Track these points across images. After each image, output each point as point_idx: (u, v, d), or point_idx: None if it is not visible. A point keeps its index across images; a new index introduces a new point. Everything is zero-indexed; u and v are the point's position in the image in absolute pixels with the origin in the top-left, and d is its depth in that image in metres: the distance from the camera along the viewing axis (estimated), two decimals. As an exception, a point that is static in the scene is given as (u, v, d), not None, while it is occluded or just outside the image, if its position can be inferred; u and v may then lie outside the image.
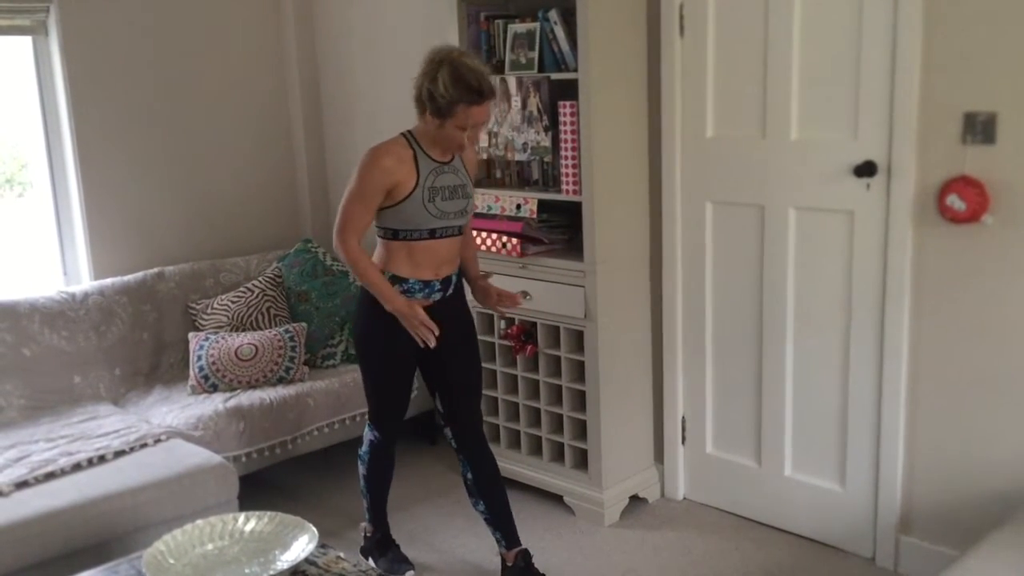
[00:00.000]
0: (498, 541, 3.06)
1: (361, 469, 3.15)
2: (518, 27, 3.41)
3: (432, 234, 2.80)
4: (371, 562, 3.18)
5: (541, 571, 3.04)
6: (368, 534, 3.22)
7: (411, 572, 3.16)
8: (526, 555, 3.04)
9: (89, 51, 3.95)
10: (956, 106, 2.73)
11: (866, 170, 2.94)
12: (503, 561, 3.06)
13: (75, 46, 3.90)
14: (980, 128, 2.69)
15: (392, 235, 2.82)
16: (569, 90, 3.28)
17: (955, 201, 2.73)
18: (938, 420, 2.93)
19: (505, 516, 3.04)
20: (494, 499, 3.03)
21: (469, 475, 3.01)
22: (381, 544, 3.20)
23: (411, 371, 3.01)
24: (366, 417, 3.76)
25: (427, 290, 2.85)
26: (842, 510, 3.20)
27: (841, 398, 3.15)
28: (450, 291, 2.92)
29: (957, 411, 2.88)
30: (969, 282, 2.80)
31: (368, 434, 3.10)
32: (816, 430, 3.23)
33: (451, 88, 2.62)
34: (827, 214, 3.08)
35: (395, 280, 2.82)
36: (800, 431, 3.28)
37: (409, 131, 2.83)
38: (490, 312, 3.62)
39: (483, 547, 3.34)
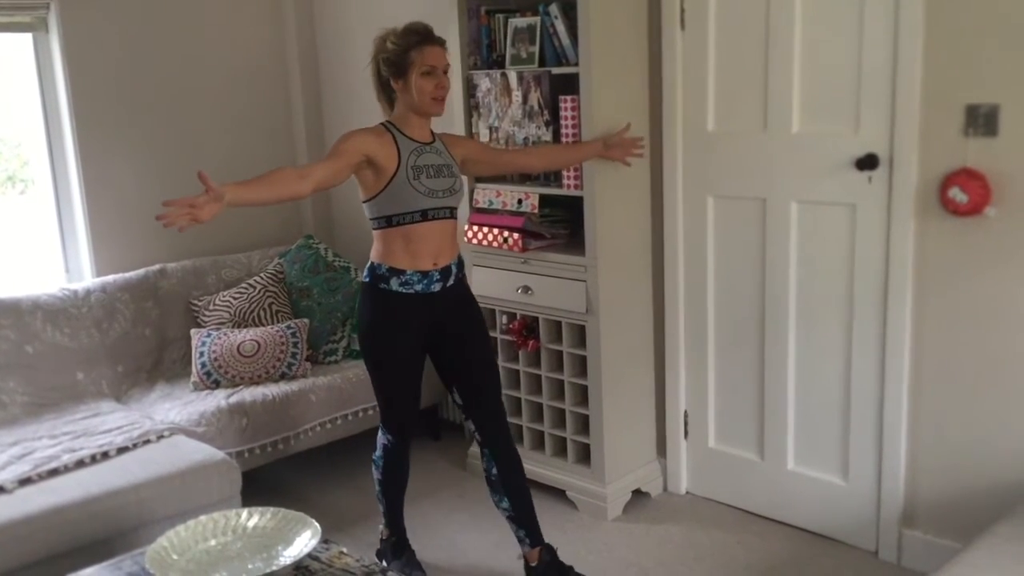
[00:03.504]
0: (520, 540, 3.00)
1: (375, 474, 3.10)
2: (519, 21, 3.41)
3: (425, 216, 2.78)
4: (384, 564, 3.14)
5: (568, 563, 3.01)
6: (384, 537, 3.20)
7: None
8: (551, 550, 2.98)
9: (89, 48, 3.95)
10: (958, 98, 2.72)
11: (868, 163, 2.93)
12: (526, 562, 3.00)
13: (75, 43, 3.91)
14: (982, 120, 2.68)
15: (387, 222, 2.79)
16: (570, 84, 3.27)
17: (957, 194, 2.72)
18: (941, 413, 2.93)
19: (529, 513, 2.98)
20: (519, 496, 2.96)
21: (494, 470, 2.95)
22: (396, 547, 3.17)
23: (419, 368, 2.96)
24: (368, 413, 3.81)
25: (426, 281, 2.82)
26: (845, 503, 3.20)
27: (843, 391, 3.14)
28: (451, 281, 2.89)
29: (960, 404, 2.88)
30: (972, 275, 2.79)
31: (381, 438, 3.06)
32: (819, 423, 3.23)
33: (399, 39, 2.77)
34: (829, 207, 3.07)
35: (393, 272, 2.81)
36: (803, 424, 3.28)
37: (384, 122, 2.86)
38: (492, 308, 3.63)
39: (485, 542, 3.34)
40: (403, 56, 2.75)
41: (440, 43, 2.80)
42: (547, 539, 3.04)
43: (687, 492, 3.67)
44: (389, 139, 2.78)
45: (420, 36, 2.77)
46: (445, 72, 2.80)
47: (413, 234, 2.78)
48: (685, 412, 3.62)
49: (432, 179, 2.79)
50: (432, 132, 2.90)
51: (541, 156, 3.23)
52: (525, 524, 2.98)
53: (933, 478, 2.98)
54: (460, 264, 2.95)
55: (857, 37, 2.91)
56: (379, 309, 2.85)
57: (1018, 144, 2.64)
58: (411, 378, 2.96)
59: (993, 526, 2.42)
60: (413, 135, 2.82)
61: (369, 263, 2.87)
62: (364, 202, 2.82)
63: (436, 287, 2.85)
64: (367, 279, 2.87)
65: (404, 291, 2.82)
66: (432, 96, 2.77)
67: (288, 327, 3.86)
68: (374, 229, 2.84)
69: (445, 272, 2.86)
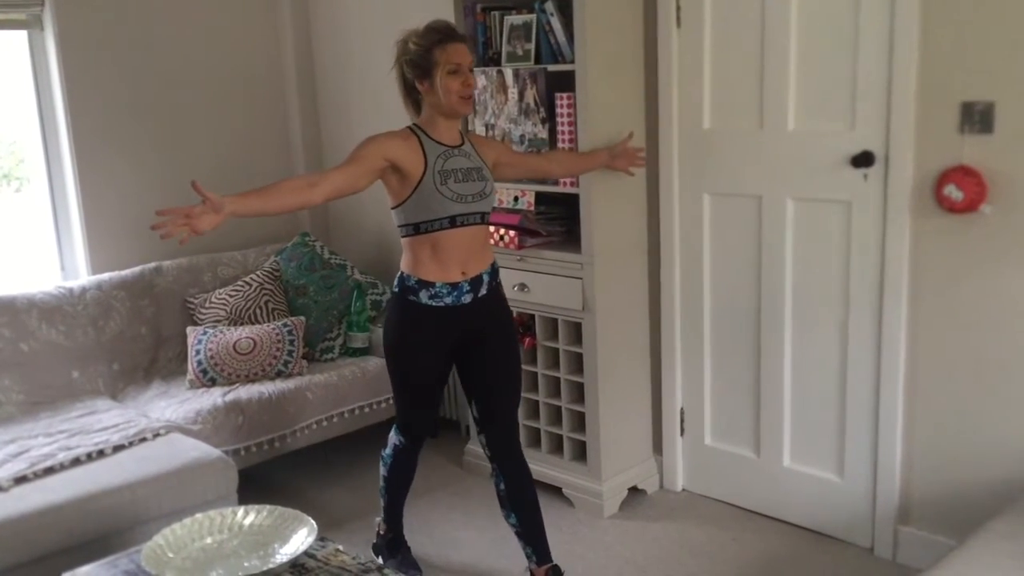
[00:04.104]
0: (528, 556, 2.94)
1: (382, 471, 3.09)
2: (515, 19, 3.41)
3: (453, 222, 2.69)
4: (380, 560, 3.14)
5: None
6: (381, 532, 3.19)
7: None
8: (556, 571, 2.94)
9: (84, 45, 3.94)
10: (953, 95, 2.73)
11: (863, 160, 2.94)
12: None
13: (70, 40, 3.90)
14: (978, 117, 2.69)
15: (414, 230, 2.71)
16: (566, 82, 3.27)
17: (953, 191, 2.73)
18: (936, 410, 2.93)
19: (538, 531, 2.92)
20: (528, 512, 2.89)
21: (502, 486, 2.88)
22: (392, 544, 3.17)
23: (443, 378, 2.92)
24: (365, 411, 3.81)
25: (456, 292, 2.75)
26: (840, 500, 3.20)
27: (839, 388, 3.15)
28: (483, 291, 2.81)
29: (955, 401, 2.89)
30: (967, 272, 2.80)
31: (394, 438, 3.04)
32: (814, 420, 3.24)
33: (421, 40, 2.69)
34: (825, 205, 3.07)
35: (422, 284, 2.74)
36: (798, 422, 3.28)
37: (410, 124, 2.80)
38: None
39: (482, 540, 3.35)
40: (426, 56, 2.67)
41: (463, 39, 2.73)
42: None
43: (683, 489, 3.68)
44: (415, 143, 2.70)
45: (442, 34, 2.69)
46: (471, 69, 2.72)
47: (441, 241, 2.71)
48: (681, 409, 3.62)
49: (461, 183, 2.71)
50: (461, 134, 2.82)
51: (560, 163, 3.21)
52: (533, 542, 2.92)
53: (928, 475, 2.99)
54: (494, 272, 2.86)
55: (853, 35, 2.91)
56: (407, 321, 2.79)
57: (1013, 141, 2.65)
58: (434, 388, 2.93)
59: (988, 523, 2.42)
60: (441, 138, 2.74)
61: (399, 273, 2.81)
62: (392, 209, 2.75)
63: (467, 298, 2.77)
64: (396, 290, 2.81)
65: (434, 304, 2.74)
66: (460, 95, 2.69)
67: (284, 325, 3.85)
68: (402, 237, 2.76)
69: (476, 282, 2.78)
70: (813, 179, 3.08)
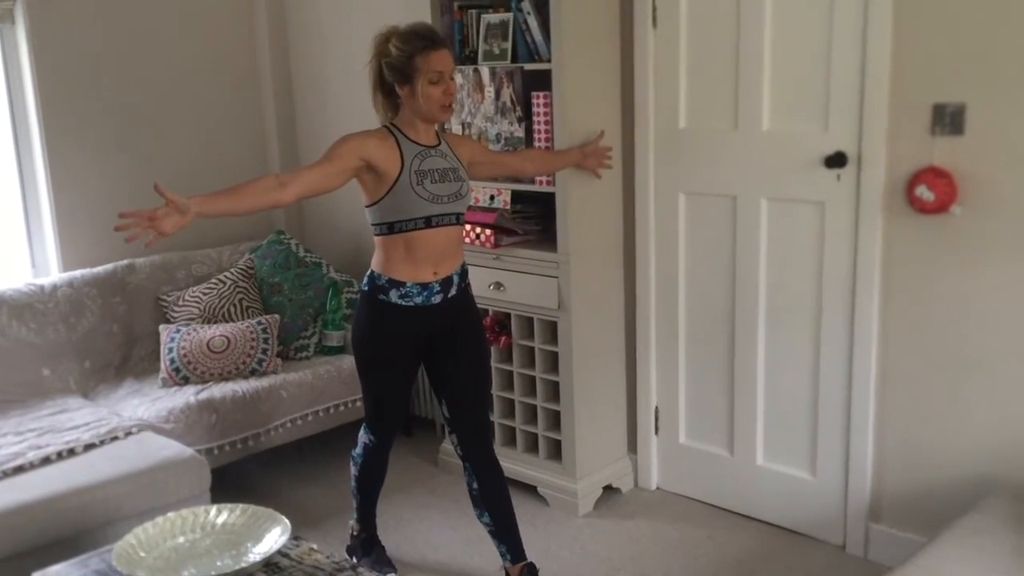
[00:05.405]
0: (503, 555, 2.95)
1: (353, 470, 3.09)
2: (491, 17, 3.41)
3: (428, 223, 2.69)
4: (354, 560, 3.13)
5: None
6: (355, 533, 3.19)
7: (393, 575, 3.12)
8: (532, 569, 2.94)
9: (57, 40, 3.90)
10: (925, 97, 2.75)
11: (837, 161, 2.96)
12: (507, 575, 2.98)
13: (43, 35, 3.85)
14: (949, 119, 2.71)
15: (388, 229, 2.70)
16: (543, 81, 3.27)
17: (924, 192, 2.75)
18: (907, 408, 2.96)
19: (511, 529, 2.92)
20: (501, 511, 2.90)
21: (475, 485, 2.89)
22: (366, 544, 3.16)
23: (412, 376, 2.92)
24: (340, 409, 3.80)
25: (426, 293, 2.75)
26: (813, 498, 3.23)
27: (812, 387, 3.17)
28: (452, 292, 2.80)
29: (926, 399, 2.92)
30: (938, 272, 2.83)
31: (363, 437, 3.03)
32: (787, 419, 3.26)
33: (404, 45, 2.65)
34: (798, 205, 3.10)
35: (393, 284, 2.73)
36: (772, 420, 3.31)
37: (387, 123, 2.78)
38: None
39: (456, 538, 3.34)
40: (408, 62, 2.64)
41: (445, 46, 2.71)
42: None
43: (657, 488, 3.69)
44: (392, 142, 2.69)
45: (426, 41, 2.65)
46: (452, 77, 2.70)
47: (415, 241, 2.70)
48: (656, 408, 3.64)
49: (436, 184, 2.70)
50: (437, 134, 2.82)
51: (533, 161, 3.22)
52: (506, 540, 2.93)
53: (899, 473, 3.01)
54: (463, 273, 2.86)
55: (827, 36, 2.93)
56: (376, 321, 2.79)
57: (984, 143, 2.68)
58: (403, 386, 2.92)
59: (958, 519, 2.45)
60: (418, 138, 2.73)
61: (368, 272, 2.80)
62: (366, 207, 2.74)
63: (436, 299, 2.77)
64: (366, 288, 2.80)
65: (403, 304, 2.74)
66: (441, 104, 2.68)
67: (259, 323, 3.83)
68: (375, 235, 2.75)
69: (446, 283, 2.78)
70: (787, 179, 3.11)
